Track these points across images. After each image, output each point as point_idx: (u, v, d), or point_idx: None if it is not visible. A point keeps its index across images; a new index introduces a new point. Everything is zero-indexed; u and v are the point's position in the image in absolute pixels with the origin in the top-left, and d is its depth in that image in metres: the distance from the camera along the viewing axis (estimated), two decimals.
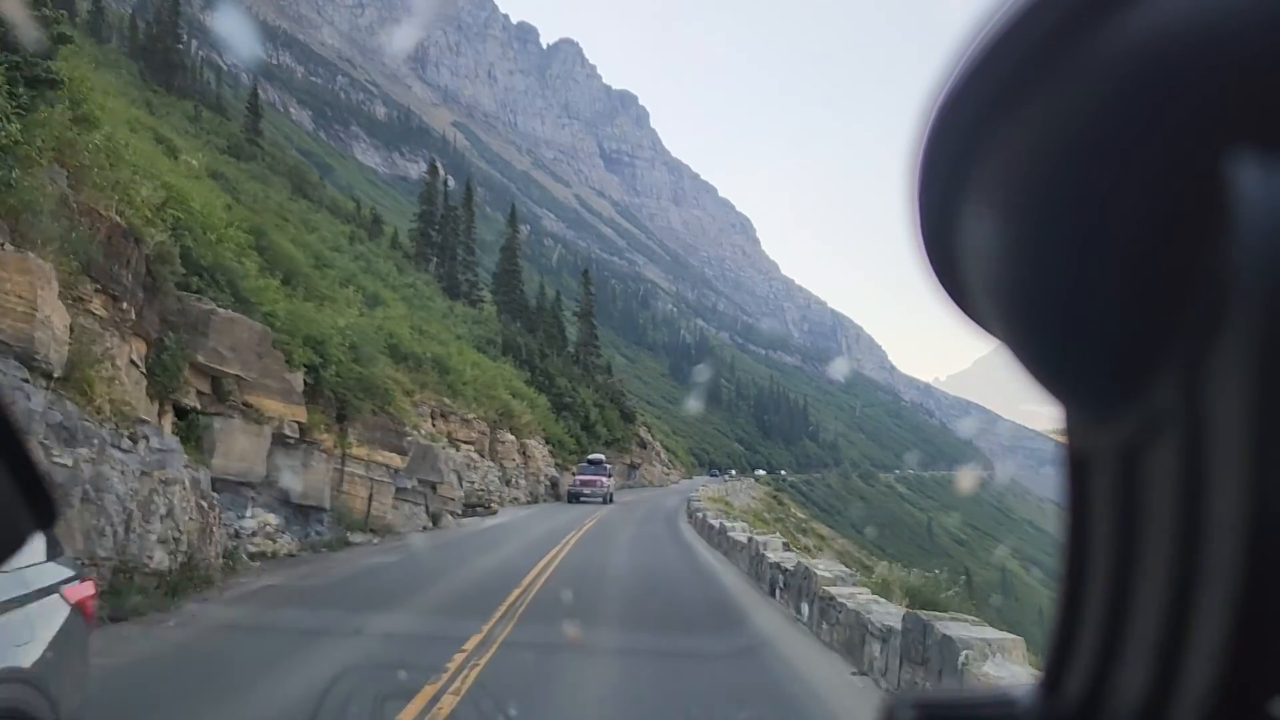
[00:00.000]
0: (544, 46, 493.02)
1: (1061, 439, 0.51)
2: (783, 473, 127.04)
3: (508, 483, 32.03)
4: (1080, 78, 0.39)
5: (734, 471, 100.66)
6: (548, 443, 40.36)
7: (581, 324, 67.20)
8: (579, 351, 63.78)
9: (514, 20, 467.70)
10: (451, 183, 67.83)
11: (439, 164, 62.39)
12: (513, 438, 33.51)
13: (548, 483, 38.34)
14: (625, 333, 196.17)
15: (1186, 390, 0.40)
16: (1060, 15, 0.39)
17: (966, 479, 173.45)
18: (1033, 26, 0.40)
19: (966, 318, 0.51)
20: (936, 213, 0.47)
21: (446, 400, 28.26)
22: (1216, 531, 0.38)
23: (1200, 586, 0.39)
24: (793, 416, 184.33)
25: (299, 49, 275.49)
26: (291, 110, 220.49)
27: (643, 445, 68.42)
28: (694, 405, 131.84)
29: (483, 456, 29.26)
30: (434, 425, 27.14)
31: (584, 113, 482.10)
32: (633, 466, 64.28)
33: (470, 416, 28.88)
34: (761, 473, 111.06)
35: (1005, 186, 0.43)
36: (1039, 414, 0.56)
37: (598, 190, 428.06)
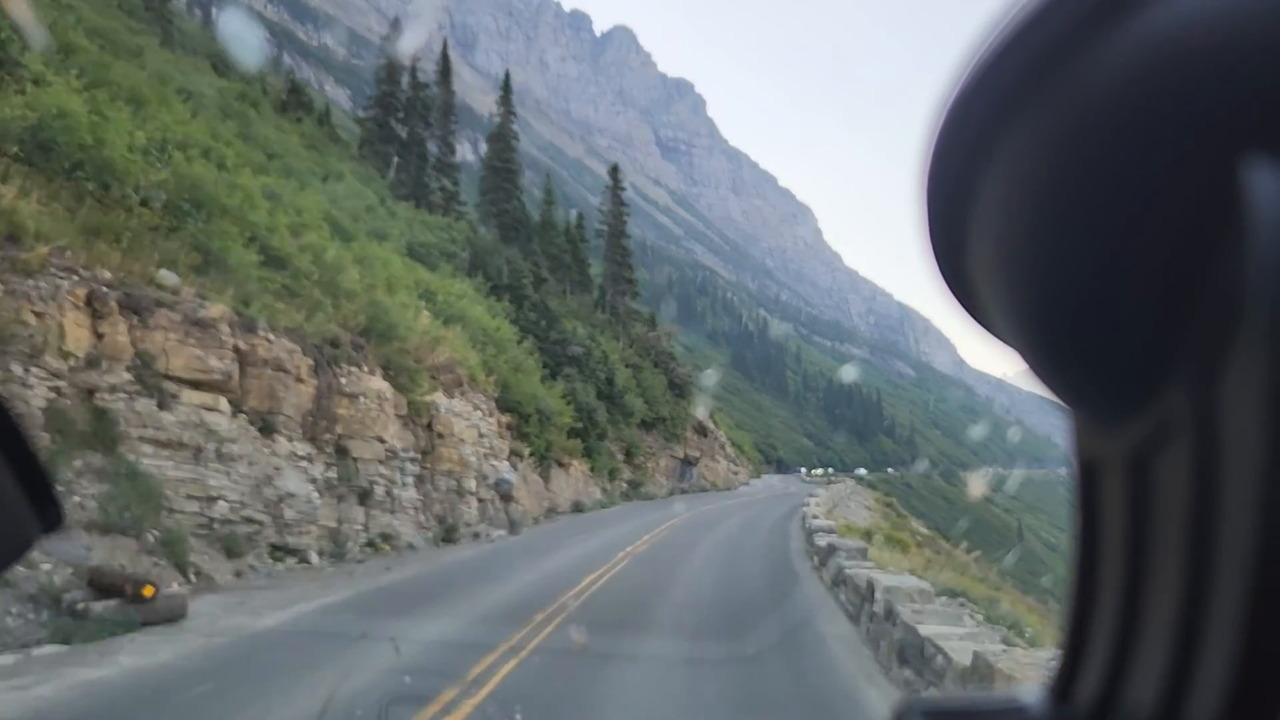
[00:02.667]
0: (597, 34, 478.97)
1: (1073, 444, 0.51)
2: (890, 470, 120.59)
3: (363, 500, 13.16)
4: (1093, 81, 0.38)
5: (831, 470, 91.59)
6: (507, 411, 21.69)
7: (609, 249, 46.56)
8: (605, 289, 44.73)
9: (566, 8, 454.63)
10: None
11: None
12: (384, 386, 14.46)
13: (491, 498, 18.96)
14: (683, 320, 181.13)
15: (1198, 397, 0.39)
16: (1072, 18, 0.38)
17: (1046, 477, 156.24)
18: (1043, 30, 0.38)
19: (977, 324, 0.50)
20: (946, 217, 0.46)
21: (154, 274, 9.93)
22: (1228, 539, 0.37)
23: (1212, 594, 0.38)
24: (866, 410, 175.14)
25: (340, 30, 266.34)
26: (328, 88, 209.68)
27: (702, 433, 49.47)
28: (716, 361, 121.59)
29: (267, 435, 10.63)
30: (93, 330, 8.86)
31: (639, 100, 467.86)
32: (688, 462, 45.64)
33: (215, 315, 10.21)
34: (862, 471, 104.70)
35: (1016, 191, 0.42)
36: None
37: (653, 179, 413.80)
